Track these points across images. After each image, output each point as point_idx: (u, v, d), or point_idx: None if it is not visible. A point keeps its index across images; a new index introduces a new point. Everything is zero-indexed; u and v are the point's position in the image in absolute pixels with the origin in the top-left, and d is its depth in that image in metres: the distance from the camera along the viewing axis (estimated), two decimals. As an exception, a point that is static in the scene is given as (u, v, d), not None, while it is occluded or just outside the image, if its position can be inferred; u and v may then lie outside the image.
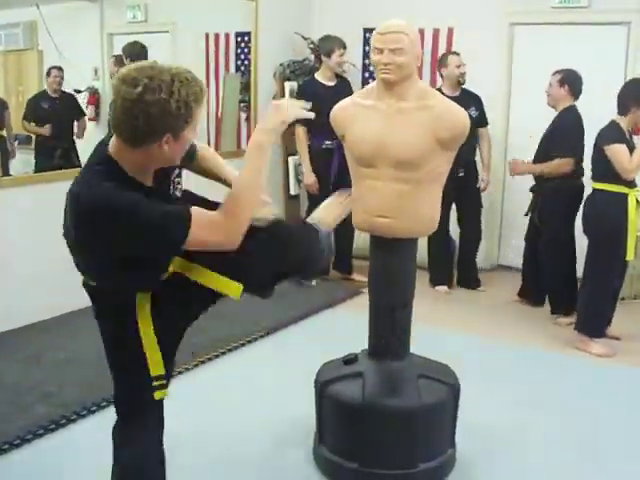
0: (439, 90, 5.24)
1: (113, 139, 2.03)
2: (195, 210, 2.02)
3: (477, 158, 5.58)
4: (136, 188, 2.01)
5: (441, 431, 2.97)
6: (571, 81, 4.92)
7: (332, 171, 5.47)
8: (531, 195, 5.15)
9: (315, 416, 3.14)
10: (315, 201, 5.62)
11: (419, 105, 2.81)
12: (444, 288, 5.58)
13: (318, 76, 5.58)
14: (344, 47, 5.51)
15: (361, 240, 5.90)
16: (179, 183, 2.23)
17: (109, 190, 1.95)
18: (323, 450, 3.03)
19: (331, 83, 5.53)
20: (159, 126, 1.92)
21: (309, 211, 5.73)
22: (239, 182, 2.15)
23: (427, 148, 2.78)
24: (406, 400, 2.84)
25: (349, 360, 3.06)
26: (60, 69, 5.57)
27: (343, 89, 5.53)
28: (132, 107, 1.89)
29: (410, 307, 3.03)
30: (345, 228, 5.62)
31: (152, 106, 1.88)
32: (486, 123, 5.56)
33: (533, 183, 5.12)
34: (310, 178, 5.49)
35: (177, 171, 2.21)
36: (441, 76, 5.48)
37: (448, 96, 5.00)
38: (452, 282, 5.72)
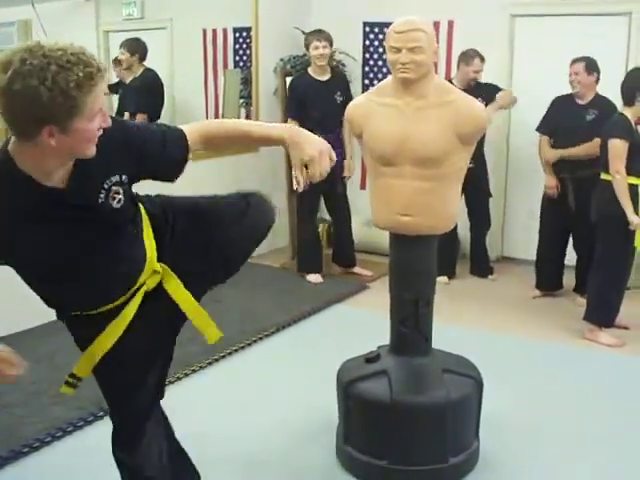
0: (450, 81, 5.26)
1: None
2: None
3: (485, 149, 5.59)
4: (27, 187, 1.80)
5: (468, 425, 2.99)
6: (597, 67, 4.95)
7: None
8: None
9: (338, 415, 3.13)
10: (303, 196, 5.62)
11: (438, 101, 2.81)
12: (444, 279, 5.58)
13: (310, 71, 5.54)
14: (325, 39, 5.41)
15: (359, 234, 5.94)
16: (118, 193, 1.94)
17: None
18: (348, 449, 3.02)
19: (323, 78, 5.49)
20: (33, 117, 1.67)
21: (298, 206, 5.74)
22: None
23: (448, 144, 2.79)
24: (434, 396, 2.85)
25: (371, 358, 3.04)
26: None
27: (338, 84, 5.54)
28: (3, 96, 1.67)
29: (432, 302, 3.04)
30: (343, 220, 5.73)
31: (20, 95, 1.64)
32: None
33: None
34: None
35: (117, 178, 1.94)
36: (458, 68, 5.48)
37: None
38: (453, 274, 5.74)
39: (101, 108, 1.77)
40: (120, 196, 1.95)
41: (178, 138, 2.07)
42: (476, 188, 5.43)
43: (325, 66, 5.51)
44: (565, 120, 5.09)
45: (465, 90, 5.04)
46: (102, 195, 1.91)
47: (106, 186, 1.91)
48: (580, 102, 5.06)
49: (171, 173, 2.10)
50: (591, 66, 4.94)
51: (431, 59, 2.81)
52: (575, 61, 4.99)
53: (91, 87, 1.70)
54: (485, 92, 5.39)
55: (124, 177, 1.96)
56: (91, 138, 1.78)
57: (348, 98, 5.62)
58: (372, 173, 3.01)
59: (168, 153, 2.05)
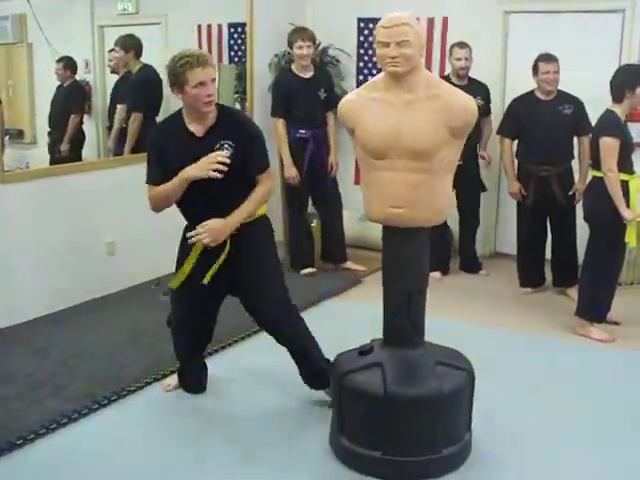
0: (447, 78, 5.28)
1: None
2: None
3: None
4: (182, 132, 3.24)
5: (461, 416, 3.02)
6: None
7: (305, 160, 5.51)
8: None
9: (332, 407, 3.17)
10: (293, 194, 5.67)
11: (428, 95, 2.87)
12: (437, 274, 5.59)
13: (293, 68, 5.57)
14: (309, 39, 5.44)
15: (353, 229, 5.94)
16: (227, 148, 3.18)
17: (154, 128, 3.70)
18: (342, 440, 3.05)
19: (306, 75, 5.52)
20: (169, 82, 3.19)
21: (288, 204, 5.79)
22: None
23: (439, 137, 2.84)
24: (428, 388, 2.88)
25: (365, 350, 3.07)
26: (59, 61, 5.51)
27: (321, 81, 5.57)
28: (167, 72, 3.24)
29: (425, 294, 3.06)
30: (333, 216, 5.75)
31: (166, 70, 3.21)
32: (489, 113, 5.59)
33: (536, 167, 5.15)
34: (292, 171, 5.50)
35: (228, 143, 3.20)
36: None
37: (455, 84, 5.04)
38: (447, 269, 5.77)
39: (202, 83, 3.10)
40: (227, 152, 3.16)
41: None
42: (467, 185, 5.45)
43: (309, 64, 5.53)
44: (540, 118, 5.08)
45: (463, 86, 5.10)
46: (217, 147, 3.18)
47: (222, 144, 3.20)
48: (546, 98, 5.10)
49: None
50: (558, 64, 5.02)
51: (419, 53, 2.87)
52: (549, 59, 5.02)
53: (191, 68, 3.10)
54: (482, 92, 5.45)
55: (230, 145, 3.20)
56: (199, 99, 3.13)
57: (332, 95, 5.65)
58: (365, 167, 3.04)
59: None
